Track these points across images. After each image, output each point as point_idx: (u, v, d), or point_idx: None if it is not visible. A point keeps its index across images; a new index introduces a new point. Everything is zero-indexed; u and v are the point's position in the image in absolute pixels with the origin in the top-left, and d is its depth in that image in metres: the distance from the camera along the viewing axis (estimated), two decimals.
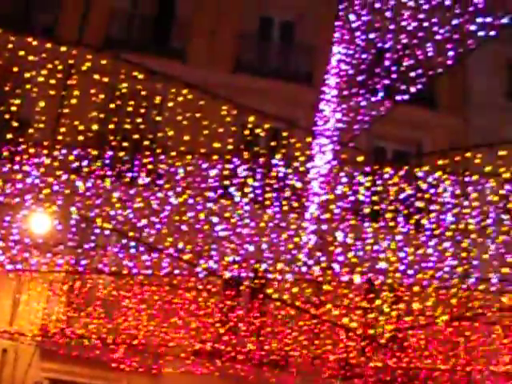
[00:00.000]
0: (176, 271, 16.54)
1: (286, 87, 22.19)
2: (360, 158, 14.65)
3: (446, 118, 23.47)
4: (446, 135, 22.80)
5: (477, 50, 20.53)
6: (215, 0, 23.23)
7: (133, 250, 16.74)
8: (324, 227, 15.58)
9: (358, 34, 13.60)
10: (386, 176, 15.63)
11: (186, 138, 16.79)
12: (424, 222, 16.80)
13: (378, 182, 15.83)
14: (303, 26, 23.67)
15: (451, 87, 24.06)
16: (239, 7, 23.37)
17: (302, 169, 15.27)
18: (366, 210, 15.88)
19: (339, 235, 15.52)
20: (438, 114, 23.45)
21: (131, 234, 16.77)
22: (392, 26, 13.02)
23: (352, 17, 13.71)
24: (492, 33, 11.61)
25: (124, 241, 17.19)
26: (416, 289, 16.73)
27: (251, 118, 15.39)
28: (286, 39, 23.97)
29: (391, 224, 16.76)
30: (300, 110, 21.10)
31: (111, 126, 18.26)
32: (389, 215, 16.45)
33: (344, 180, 15.34)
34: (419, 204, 16.24)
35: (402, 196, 16.18)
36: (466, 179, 15.95)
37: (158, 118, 19.62)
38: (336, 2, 15.30)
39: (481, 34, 11.69)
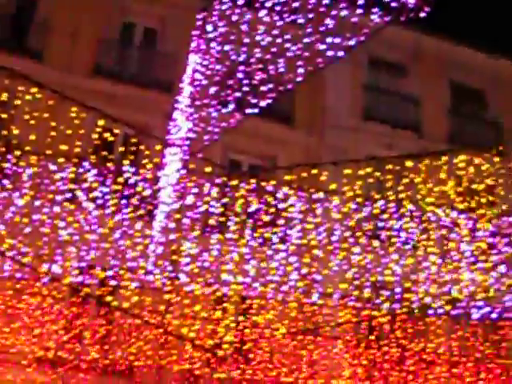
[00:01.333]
0: (18, 275, 15.99)
1: (145, 94, 21.97)
2: (208, 169, 14.62)
3: (303, 136, 23.87)
4: (301, 152, 23.19)
5: (326, 69, 21.15)
6: (77, 1, 22.73)
7: None
8: (171, 237, 15.46)
9: (213, 44, 13.61)
10: (236, 189, 15.74)
11: (32, 137, 16.32)
12: (270, 235, 16.98)
13: (228, 195, 15.89)
14: (166, 34, 23.52)
15: (309, 106, 24.52)
16: (102, 10, 22.96)
17: (149, 176, 15.12)
18: (213, 222, 15.89)
19: (186, 245, 15.44)
20: (295, 132, 23.82)
21: None
22: (247, 40, 13.10)
23: (209, 27, 13.70)
24: (340, 53, 11.92)
25: None
26: (258, 301, 16.88)
27: (101, 122, 15.14)
28: (149, 46, 23.75)
29: (236, 236, 16.84)
30: (157, 118, 20.91)
31: None
32: (234, 227, 16.53)
33: (194, 190, 15.29)
34: (266, 218, 16.39)
35: (250, 209, 16.30)
36: (314, 196, 16.23)
37: (4, 116, 18.97)
38: (198, 11, 15.26)
39: (330, 53, 11.99)
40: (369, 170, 16.44)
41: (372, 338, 21.08)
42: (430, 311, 16.41)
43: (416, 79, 26.46)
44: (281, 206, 15.80)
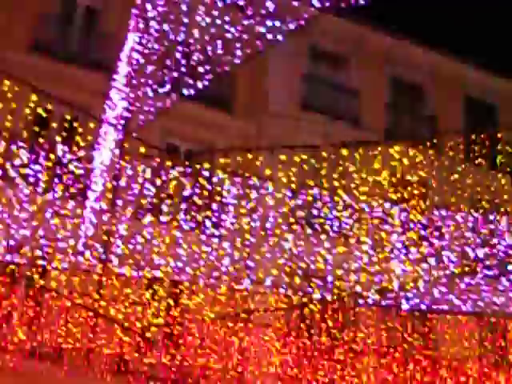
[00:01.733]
0: None
1: (84, 73, 21.68)
2: (143, 150, 14.46)
3: (241, 123, 23.83)
4: (239, 139, 23.14)
5: (268, 57, 21.09)
6: None
7: None
8: (104, 217, 15.25)
9: (152, 23, 13.46)
10: (172, 172, 15.62)
11: None
12: (203, 219, 16.91)
13: (162, 177, 15.76)
14: (108, 14, 23.26)
15: (249, 94, 24.50)
16: None
17: (82, 155, 14.89)
18: (146, 204, 15.75)
19: (119, 227, 15.25)
20: (234, 118, 23.78)
21: None
22: (186, 20, 12.99)
23: (149, 6, 13.54)
24: (279, 37, 11.91)
25: None
26: (188, 285, 16.81)
27: (35, 98, 14.88)
28: (90, 25, 23.43)
29: (169, 218, 16.73)
30: (95, 97, 20.63)
31: None
32: (167, 210, 16.42)
33: (128, 171, 15.09)
34: (200, 202, 16.31)
35: (184, 193, 16.21)
36: (249, 181, 16.21)
37: None
38: None
39: (269, 37, 11.96)
40: (304, 156, 16.49)
41: (303, 326, 21.17)
42: (361, 301, 16.52)
43: (356, 71, 26.63)
44: (215, 190, 15.72)
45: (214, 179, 15.74)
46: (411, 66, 27.37)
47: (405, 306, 16.49)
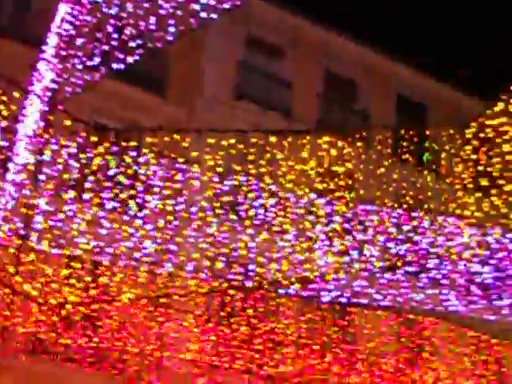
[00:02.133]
0: None
1: (15, 47, 21.27)
2: (68, 123, 14.17)
3: (173, 107, 23.68)
4: (170, 123, 22.99)
5: (204, 43, 20.87)
6: None
7: None
8: (25, 192, 14.85)
9: None
10: (98, 149, 15.37)
11: None
12: (127, 200, 16.71)
13: (87, 154, 15.48)
14: None
15: (183, 78, 24.34)
16: None
17: (5, 124, 14.48)
18: (69, 180, 15.45)
19: (39, 202, 14.90)
20: (167, 103, 23.64)
21: None
22: None
23: None
24: (213, 15, 11.82)
25: None
26: (107, 264, 16.60)
27: None
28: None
29: (91, 195, 16.47)
30: (26, 71, 20.18)
31: None
32: (89, 188, 16.16)
33: (53, 146, 14.72)
34: (125, 181, 16.07)
35: (109, 172, 15.96)
36: (176, 163, 16.04)
37: None
38: None
39: (203, 15, 11.87)
40: (232, 141, 16.43)
41: (223, 314, 21.12)
42: (281, 290, 16.49)
43: (291, 63, 26.70)
44: (141, 170, 15.53)
45: (141, 159, 15.51)
46: (345, 60, 27.58)
47: (326, 298, 16.52)
